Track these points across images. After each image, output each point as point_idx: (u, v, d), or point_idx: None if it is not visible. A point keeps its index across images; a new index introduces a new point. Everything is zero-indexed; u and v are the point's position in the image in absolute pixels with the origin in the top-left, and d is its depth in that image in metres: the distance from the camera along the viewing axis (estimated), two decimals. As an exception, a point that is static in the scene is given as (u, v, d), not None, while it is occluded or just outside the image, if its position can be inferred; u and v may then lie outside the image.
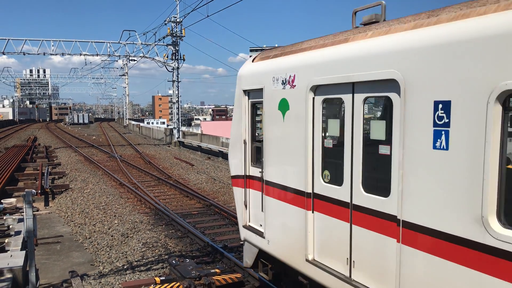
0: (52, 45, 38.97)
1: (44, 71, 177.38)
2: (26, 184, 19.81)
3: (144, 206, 16.59)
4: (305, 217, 6.24)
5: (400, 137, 4.69)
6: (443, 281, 4.39)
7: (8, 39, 37.92)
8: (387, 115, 5.04)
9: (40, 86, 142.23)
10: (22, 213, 13.72)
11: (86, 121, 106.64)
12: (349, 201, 5.58)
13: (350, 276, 5.62)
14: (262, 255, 7.39)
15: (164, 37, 37.56)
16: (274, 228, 6.87)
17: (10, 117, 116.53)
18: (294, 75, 6.37)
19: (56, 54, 37.93)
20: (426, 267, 4.56)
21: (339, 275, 5.67)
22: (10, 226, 11.56)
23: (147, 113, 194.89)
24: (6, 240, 10.22)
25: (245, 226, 7.71)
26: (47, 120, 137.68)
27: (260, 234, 7.21)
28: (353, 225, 5.51)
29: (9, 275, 8.43)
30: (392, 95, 4.91)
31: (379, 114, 5.61)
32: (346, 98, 5.61)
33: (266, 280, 7.35)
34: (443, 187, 4.28)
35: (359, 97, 5.42)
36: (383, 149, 5.00)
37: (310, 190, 6.21)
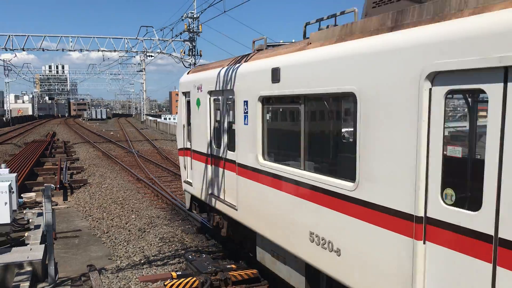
0: (71, 41, 38.98)
1: (63, 67, 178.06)
2: (45, 179, 19.77)
3: (161, 201, 16.60)
4: (208, 169, 9.91)
5: None
6: None
7: (28, 36, 38.16)
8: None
9: (59, 82, 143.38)
10: (41, 208, 13.80)
11: (104, 116, 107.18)
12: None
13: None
14: (193, 199, 11.19)
15: (181, 33, 37.60)
16: (196, 180, 10.55)
17: (30, 113, 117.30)
18: (201, 84, 10.05)
19: (74, 50, 38.11)
20: None
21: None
22: (30, 220, 11.72)
23: (164, 109, 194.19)
24: (26, 234, 10.35)
25: (184, 181, 11.40)
26: (66, 115, 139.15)
27: (191, 184, 10.92)
28: None
29: (29, 268, 8.57)
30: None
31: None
32: (222, 98, 9.13)
33: (196, 214, 11.78)
34: None
35: (229, 98, 8.83)
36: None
37: (209, 152, 9.77)
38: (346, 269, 5.69)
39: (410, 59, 4.80)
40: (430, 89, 4.63)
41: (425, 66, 4.68)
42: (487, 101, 4.10)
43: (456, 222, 4.46)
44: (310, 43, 6.48)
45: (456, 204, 4.37)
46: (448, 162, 4.42)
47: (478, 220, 4.14)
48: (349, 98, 5.57)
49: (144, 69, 72.91)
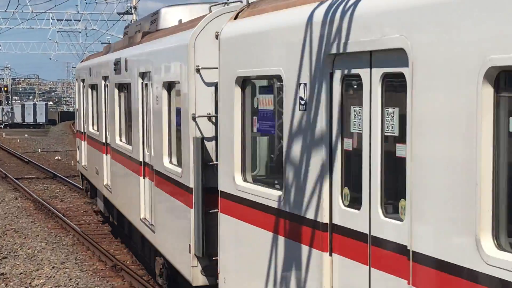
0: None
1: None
2: None
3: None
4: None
5: None
6: None
7: None
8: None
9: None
10: None
11: (43, 119, 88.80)
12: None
13: None
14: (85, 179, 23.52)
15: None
16: (87, 161, 22.18)
17: None
18: (90, 69, 21.08)
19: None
20: None
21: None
22: None
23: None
24: None
25: (79, 162, 24.53)
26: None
27: (83, 166, 23.13)
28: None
29: None
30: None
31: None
32: (101, 83, 18.93)
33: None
34: None
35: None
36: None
37: (104, 141, 18.67)
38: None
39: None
40: (331, 73, 6.98)
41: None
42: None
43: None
44: None
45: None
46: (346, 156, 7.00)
47: (359, 219, 6.50)
48: None
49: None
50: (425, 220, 5.60)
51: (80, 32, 78.38)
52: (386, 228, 6.11)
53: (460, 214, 5.17)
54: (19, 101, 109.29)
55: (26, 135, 66.12)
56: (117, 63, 16.08)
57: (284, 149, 7.67)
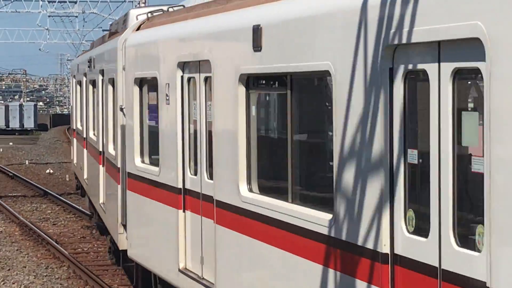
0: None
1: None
2: None
3: None
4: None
5: None
6: None
7: None
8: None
9: None
10: None
11: (31, 124, 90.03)
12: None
13: None
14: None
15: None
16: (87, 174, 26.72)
17: None
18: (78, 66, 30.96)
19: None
20: None
21: None
22: None
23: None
24: None
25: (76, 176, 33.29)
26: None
27: (85, 179, 27.18)
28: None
29: None
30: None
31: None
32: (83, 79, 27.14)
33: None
34: None
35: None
36: None
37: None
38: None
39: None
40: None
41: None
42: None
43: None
44: None
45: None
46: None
47: (427, 249, 6.80)
48: None
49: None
50: (509, 251, 5.48)
51: (76, 16, 79.05)
52: (460, 260, 6.01)
53: None
54: (2, 102, 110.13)
55: (11, 144, 66.96)
56: (90, 60, 22.89)
57: (336, 164, 7.83)
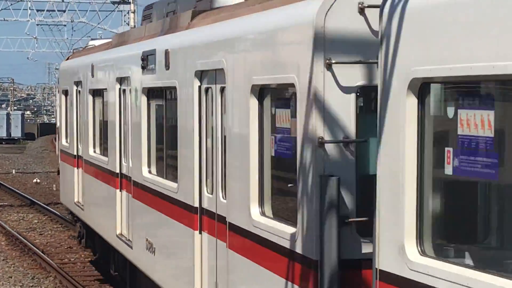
0: None
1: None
2: None
3: None
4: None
5: None
6: None
7: None
8: None
9: None
10: None
11: (18, 133, 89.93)
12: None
13: None
14: None
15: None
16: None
17: None
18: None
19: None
20: None
21: None
22: None
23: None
24: None
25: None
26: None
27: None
28: None
29: None
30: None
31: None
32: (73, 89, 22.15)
33: None
34: None
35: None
36: None
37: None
38: None
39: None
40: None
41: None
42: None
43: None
44: None
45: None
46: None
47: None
48: None
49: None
50: None
51: (65, 25, 79.01)
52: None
53: None
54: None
55: (-3, 153, 68.71)
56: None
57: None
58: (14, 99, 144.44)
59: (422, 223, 6.51)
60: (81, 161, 20.33)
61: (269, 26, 9.04)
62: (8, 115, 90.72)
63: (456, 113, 6.13)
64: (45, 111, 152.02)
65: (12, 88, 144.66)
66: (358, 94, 8.11)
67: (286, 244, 8.33)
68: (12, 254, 23.87)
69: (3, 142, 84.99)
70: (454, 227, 6.71)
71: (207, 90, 11.10)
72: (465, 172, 6.13)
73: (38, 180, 43.50)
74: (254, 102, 9.21)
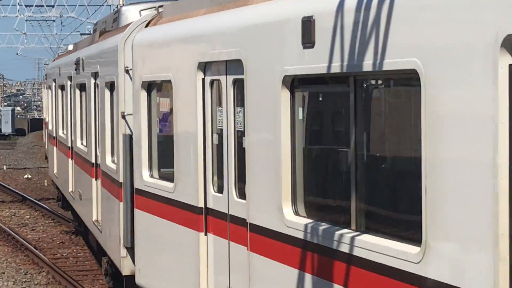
0: None
1: None
2: None
3: None
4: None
5: None
6: None
7: None
8: None
9: None
10: None
11: (9, 129, 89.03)
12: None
13: None
14: None
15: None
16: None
17: None
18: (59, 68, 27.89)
19: None
20: None
21: None
22: None
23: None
24: None
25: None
26: None
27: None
28: None
29: None
30: None
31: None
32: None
33: None
34: None
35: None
36: None
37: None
38: None
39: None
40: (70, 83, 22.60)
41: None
42: None
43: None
44: None
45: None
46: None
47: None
48: None
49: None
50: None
51: (54, 20, 78.73)
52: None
53: None
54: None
55: (-13, 149, 68.33)
56: (77, 62, 21.20)
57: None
58: (4, 95, 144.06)
59: (295, 188, 8.61)
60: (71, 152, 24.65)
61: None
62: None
63: None
64: (35, 107, 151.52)
65: (1, 84, 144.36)
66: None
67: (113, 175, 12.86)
68: (4, 250, 23.78)
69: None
70: (317, 191, 8.81)
71: (96, 85, 17.30)
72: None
73: (30, 176, 43.33)
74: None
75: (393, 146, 7.61)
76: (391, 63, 6.66)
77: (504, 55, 5.55)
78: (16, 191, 36.41)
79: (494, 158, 5.57)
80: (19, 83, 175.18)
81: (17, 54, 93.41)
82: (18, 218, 29.61)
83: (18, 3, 67.53)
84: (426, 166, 6.27)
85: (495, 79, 5.55)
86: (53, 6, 69.14)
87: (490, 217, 5.57)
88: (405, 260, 6.45)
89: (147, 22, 13.80)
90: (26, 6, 69.63)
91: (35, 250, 22.82)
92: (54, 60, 28.06)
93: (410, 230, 6.82)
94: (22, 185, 39.66)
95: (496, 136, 5.51)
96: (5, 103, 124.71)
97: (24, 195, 34.91)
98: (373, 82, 7.81)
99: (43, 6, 69.59)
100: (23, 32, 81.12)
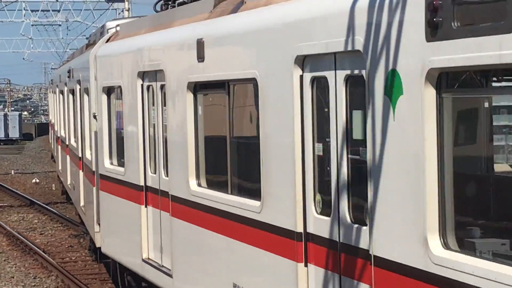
0: None
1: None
2: None
3: None
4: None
5: None
6: None
7: None
8: None
9: None
10: None
11: (16, 134, 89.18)
12: None
13: None
14: None
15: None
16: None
17: None
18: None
19: None
20: None
21: None
22: None
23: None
24: None
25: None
26: None
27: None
28: None
29: None
30: None
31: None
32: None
33: None
34: None
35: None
36: None
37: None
38: None
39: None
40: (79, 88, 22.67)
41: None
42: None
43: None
44: None
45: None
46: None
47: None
48: None
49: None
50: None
51: (60, 25, 78.87)
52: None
53: None
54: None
55: (-5, 154, 68.61)
56: (69, 70, 24.70)
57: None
58: (11, 100, 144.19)
59: (198, 167, 11.30)
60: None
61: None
62: (5, 116, 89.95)
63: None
64: (42, 111, 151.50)
65: (8, 89, 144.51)
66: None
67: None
68: (14, 254, 23.88)
69: (1, 143, 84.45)
70: (211, 167, 11.34)
71: (79, 91, 20.83)
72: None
73: (37, 180, 43.48)
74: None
75: (250, 132, 10.40)
76: (244, 73, 9.69)
77: (296, 69, 8.59)
78: (24, 195, 36.62)
79: (293, 139, 8.55)
80: (26, 88, 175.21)
81: (23, 59, 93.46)
82: (27, 223, 29.75)
83: (24, 8, 67.82)
84: (261, 145, 9.32)
85: (292, 85, 8.60)
86: (58, 11, 69.32)
87: (296, 180, 8.50)
88: (252, 211, 9.58)
89: (108, 38, 17.56)
90: (32, 11, 69.84)
91: (43, 254, 22.95)
92: (59, 67, 32.20)
93: (257, 191, 9.59)
94: (30, 190, 39.86)
95: (296, 126, 8.53)
96: (12, 108, 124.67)
97: (33, 199, 35.07)
98: (237, 86, 10.61)
99: (48, 10, 69.80)
100: (29, 37, 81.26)
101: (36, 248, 23.79)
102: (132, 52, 14.43)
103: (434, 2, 6.22)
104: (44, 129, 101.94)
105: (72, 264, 22.29)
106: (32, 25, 76.20)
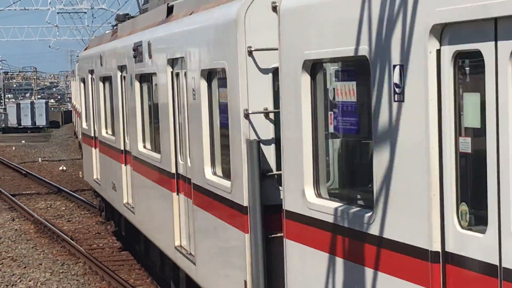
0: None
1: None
2: None
3: None
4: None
5: None
6: None
7: None
8: None
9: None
10: None
11: (43, 121, 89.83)
12: None
13: None
14: None
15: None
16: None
17: None
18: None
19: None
20: None
21: None
22: None
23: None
24: None
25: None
26: None
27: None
28: None
29: None
30: None
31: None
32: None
33: None
34: None
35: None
36: None
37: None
38: None
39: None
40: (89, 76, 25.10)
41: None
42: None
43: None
44: None
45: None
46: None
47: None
48: None
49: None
50: None
51: (85, 12, 79.04)
52: None
53: None
54: (14, 100, 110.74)
55: (23, 142, 67.15)
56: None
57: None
58: (38, 88, 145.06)
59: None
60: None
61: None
62: (32, 104, 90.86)
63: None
64: (68, 99, 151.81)
65: (35, 77, 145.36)
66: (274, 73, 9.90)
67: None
68: (41, 242, 23.96)
69: (28, 131, 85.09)
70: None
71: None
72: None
73: (64, 168, 43.55)
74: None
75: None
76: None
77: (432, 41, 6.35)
78: (52, 183, 36.63)
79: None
80: (52, 75, 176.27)
81: (49, 47, 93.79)
82: (54, 210, 29.84)
83: (49, -4, 68.22)
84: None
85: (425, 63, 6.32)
86: (84, -1, 69.67)
87: (432, 185, 6.26)
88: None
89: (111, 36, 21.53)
90: (57, -1, 70.25)
91: (71, 241, 23.03)
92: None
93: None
94: (57, 177, 39.84)
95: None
96: (39, 96, 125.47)
97: (60, 186, 35.11)
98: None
99: (74, -2, 70.21)
100: (55, 24, 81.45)
101: (64, 235, 23.83)
102: (115, 49, 18.45)
103: None
104: (71, 116, 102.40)
105: (100, 251, 22.38)
106: (58, 13, 76.26)
